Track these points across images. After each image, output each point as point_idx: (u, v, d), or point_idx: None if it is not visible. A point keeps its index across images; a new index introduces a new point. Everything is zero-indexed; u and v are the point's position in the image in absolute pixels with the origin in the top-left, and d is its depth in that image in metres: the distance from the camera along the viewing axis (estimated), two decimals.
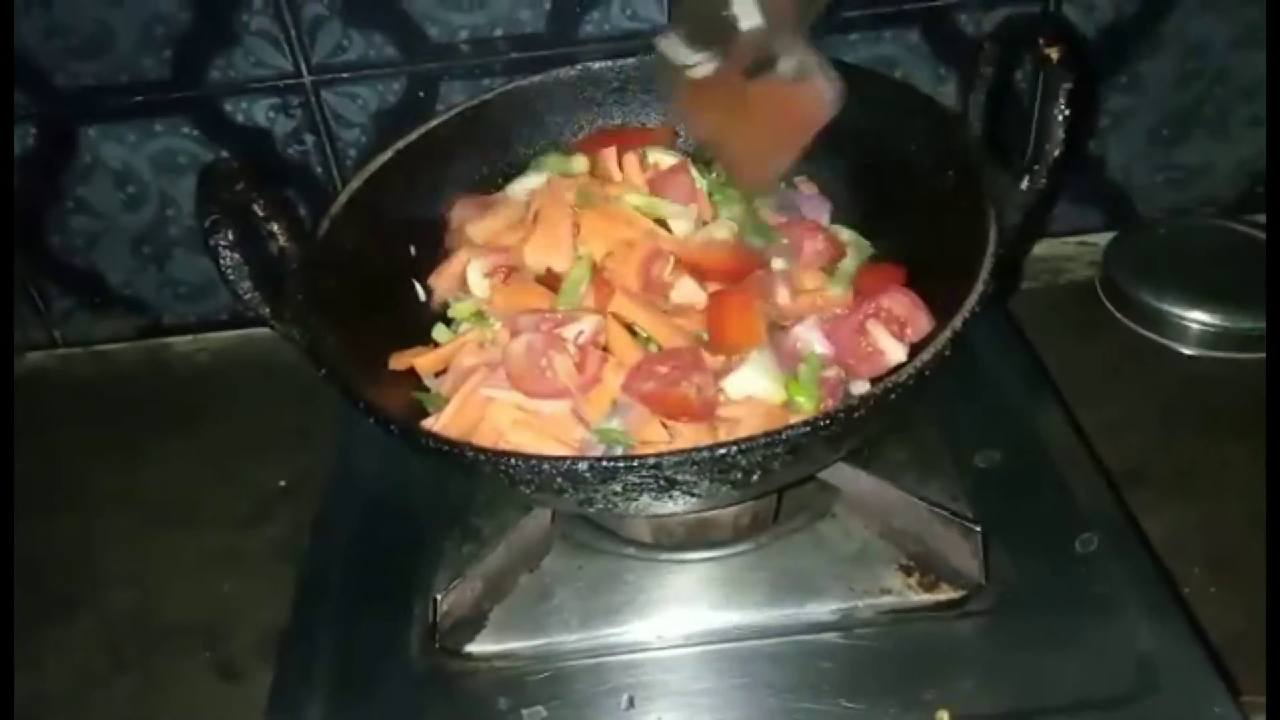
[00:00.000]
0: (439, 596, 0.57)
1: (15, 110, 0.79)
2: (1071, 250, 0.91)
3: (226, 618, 0.67)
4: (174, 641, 0.67)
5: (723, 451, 0.45)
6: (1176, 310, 0.79)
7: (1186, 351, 0.79)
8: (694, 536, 0.60)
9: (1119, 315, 0.83)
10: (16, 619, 0.66)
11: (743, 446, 0.45)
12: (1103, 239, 0.89)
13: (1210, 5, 0.80)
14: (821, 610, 0.57)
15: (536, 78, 0.72)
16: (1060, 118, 0.54)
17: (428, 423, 0.57)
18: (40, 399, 0.88)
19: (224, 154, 0.81)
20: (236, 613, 0.68)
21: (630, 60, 0.73)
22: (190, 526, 0.74)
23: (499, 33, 0.78)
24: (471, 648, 0.57)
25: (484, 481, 0.50)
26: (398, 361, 0.61)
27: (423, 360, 0.61)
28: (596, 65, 0.72)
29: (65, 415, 0.85)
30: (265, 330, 0.56)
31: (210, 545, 0.72)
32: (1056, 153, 0.55)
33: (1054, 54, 0.55)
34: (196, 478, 0.78)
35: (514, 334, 0.57)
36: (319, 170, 0.84)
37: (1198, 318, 0.79)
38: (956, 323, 0.50)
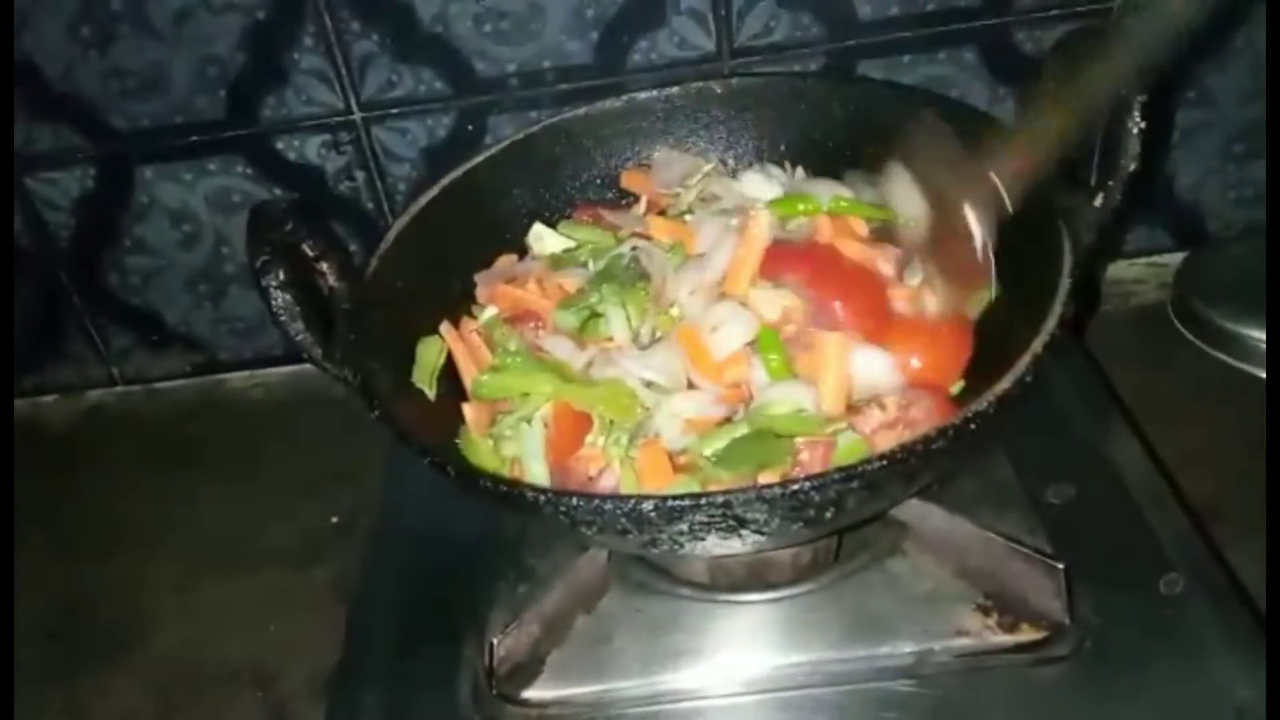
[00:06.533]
0: (495, 640, 0.55)
1: (74, 153, 0.81)
2: (1140, 272, 0.87)
3: (278, 659, 0.66)
4: (225, 683, 0.66)
5: (794, 488, 0.43)
6: (1253, 333, 0.76)
7: (1263, 376, 0.75)
8: (753, 576, 0.58)
9: (1192, 339, 0.79)
10: (62, 659, 0.65)
11: (815, 483, 0.43)
12: (1173, 260, 0.85)
13: None
14: (894, 654, 0.54)
15: (581, 110, 0.71)
16: (1135, 131, 0.52)
17: None
18: (98, 437, 0.88)
19: (277, 192, 0.82)
20: (289, 653, 0.66)
21: (675, 89, 0.71)
22: (242, 564, 0.73)
23: (547, 64, 0.78)
24: (528, 694, 0.55)
25: (542, 522, 0.49)
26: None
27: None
28: (642, 95, 0.71)
29: (122, 452, 0.86)
30: None
31: (263, 583, 0.72)
32: (1131, 167, 0.53)
33: None
34: (250, 514, 0.77)
35: None
36: (370, 206, 0.84)
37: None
38: (1037, 346, 0.47)
